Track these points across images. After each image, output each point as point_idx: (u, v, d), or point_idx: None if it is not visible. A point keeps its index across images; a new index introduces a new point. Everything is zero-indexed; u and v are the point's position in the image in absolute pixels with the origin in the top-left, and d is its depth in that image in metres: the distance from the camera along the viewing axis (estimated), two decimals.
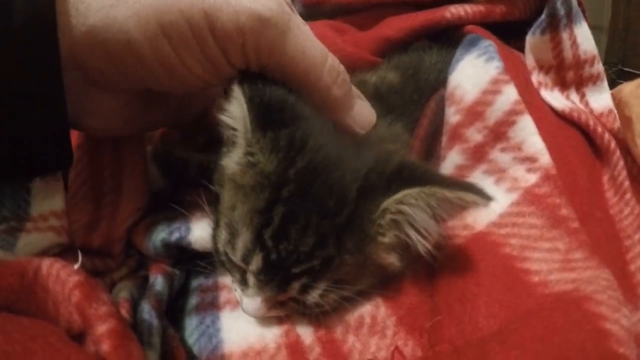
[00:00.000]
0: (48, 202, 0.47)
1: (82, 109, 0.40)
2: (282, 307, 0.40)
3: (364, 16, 0.67)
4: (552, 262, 0.39)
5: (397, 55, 0.61)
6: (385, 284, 0.41)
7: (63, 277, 0.33)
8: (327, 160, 0.37)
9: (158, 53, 0.35)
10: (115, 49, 0.34)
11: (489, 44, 0.49)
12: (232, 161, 0.40)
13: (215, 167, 0.44)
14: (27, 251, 0.44)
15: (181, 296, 0.45)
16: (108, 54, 0.35)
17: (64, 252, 0.47)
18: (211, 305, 0.43)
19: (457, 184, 0.37)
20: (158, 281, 0.43)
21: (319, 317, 0.39)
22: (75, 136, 0.51)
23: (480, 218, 0.43)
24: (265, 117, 0.36)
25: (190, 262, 0.47)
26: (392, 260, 0.40)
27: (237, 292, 0.42)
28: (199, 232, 0.44)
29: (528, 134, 0.44)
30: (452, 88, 0.48)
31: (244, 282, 0.40)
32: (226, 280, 0.45)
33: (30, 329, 0.30)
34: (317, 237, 0.36)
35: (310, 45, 0.38)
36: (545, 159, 0.43)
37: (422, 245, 0.38)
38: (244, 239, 0.37)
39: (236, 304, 0.43)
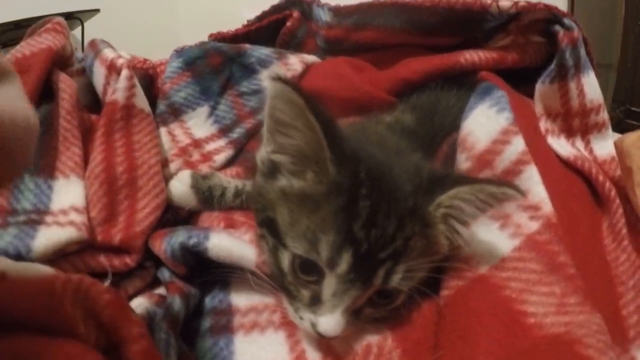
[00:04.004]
0: (69, 197, 0.50)
1: None
2: (358, 318, 0.43)
3: (382, 55, 0.71)
4: (548, 305, 0.42)
5: (415, 95, 0.64)
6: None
7: (93, 295, 0.35)
8: (382, 164, 0.44)
9: None
10: None
11: (501, 94, 0.52)
12: (293, 182, 0.44)
13: (257, 194, 0.47)
14: (47, 245, 0.46)
15: (195, 317, 0.47)
16: None
17: (84, 253, 0.49)
18: (225, 329, 0.45)
19: (499, 181, 0.43)
20: (176, 302, 0.45)
21: (387, 322, 0.44)
22: (91, 127, 0.56)
23: (484, 261, 0.46)
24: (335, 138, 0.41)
25: (204, 274, 0.48)
26: (444, 243, 0.44)
27: (305, 321, 0.43)
28: (217, 240, 0.46)
29: (533, 183, 0.47)
30: (465, 135, 0.51)
31: (316, 301, 0.42)
32: (240, 303, 0.47)
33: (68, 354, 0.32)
34: (398, 220, 0.41)
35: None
36: (547, 207, 0.46)
37: (463, 233, 0.44)
38: (328, 241, 0.40)
39: (250, 329, 0.44)
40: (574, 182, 0.55)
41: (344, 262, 0.40)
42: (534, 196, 0.47)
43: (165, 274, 0.50)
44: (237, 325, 0.45)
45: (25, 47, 0.61)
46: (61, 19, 0.65)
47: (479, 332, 0.42)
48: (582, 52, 0.57)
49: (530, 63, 0.64)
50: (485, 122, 0.51)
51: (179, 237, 0.47)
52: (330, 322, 0.41)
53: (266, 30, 0.81)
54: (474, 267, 0.46)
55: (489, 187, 0.41)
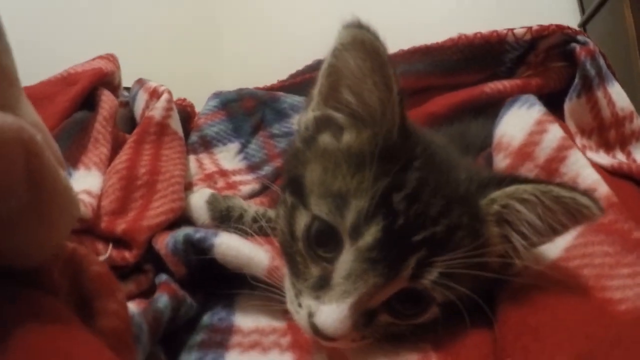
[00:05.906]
0: (85, 183, 0.50)
1: None
2: (369, 325, 0.34)
3: (411, 100, 0.72)
4: (636, 286, 0.35)
5: (445, 127, 0.64)
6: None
7: (85, 265, 0.32)
8: (439, 148, 0.40)
9: None
10: None
11: (529, 96, 0.52)
12: (343, 137, 0.40)
13: (292, 157, 0.44)
14: None
15: (189, 332, 0.41)
16: None
17: (83, 236, 0.46)
18: (218, 344, 0.39)
19: (571, 185, 0.36)
20: (162, 299, 0.39)
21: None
22: (123, 143, 0.56)
23: (544, 256, 0.40)
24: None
25: (206, 286, 0.44)
26: (497, 250, 0.37)
27: (303, 310, 0.35)
28: (226, 237, 0.42)
29: (581, 166, 0.45)
30: (499, 137, 0.50)
31: (324, 284, 0.34)
32: (243, 325, 0.41)
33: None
34: (445, 202, 0.35)
35: None
36: (603, 188, 0.43)
37: (520, 249, 0.36)
38: (358, 205, 0.34)
39: (248, 348, 0.38)
40: (623, 185, 0.52)
41: (370, 234, 0.33)
42: (585, 179, 0.45)
43: (162, 278, 0.46)
44: (234, 344, 0.39)
45: (79, 67, 0.68)
46: (113, 53, 0.72)
47: (557, 328, 0.35)
48: (602, 62, 0.58)
49: (555, 87, 0.66)
50: (517, 121, 0.51)
51: (186, 231, 0.44)
52: (333, 313, 0.32)
53: (299, 87, 0.86)
54: (534, 264, 0.39)
55: (557, 190, 0.34)
